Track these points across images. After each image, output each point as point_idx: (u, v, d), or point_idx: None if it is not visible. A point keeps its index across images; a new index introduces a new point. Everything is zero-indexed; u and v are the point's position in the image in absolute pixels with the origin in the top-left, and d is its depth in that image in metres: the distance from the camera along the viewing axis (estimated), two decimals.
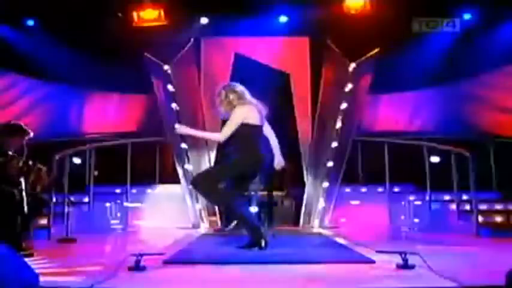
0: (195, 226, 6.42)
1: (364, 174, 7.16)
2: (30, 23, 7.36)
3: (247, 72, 7.29)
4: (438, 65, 7.36)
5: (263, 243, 3.70)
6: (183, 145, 6.68)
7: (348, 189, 6.95)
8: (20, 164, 3.87)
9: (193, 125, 6.98)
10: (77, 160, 6.50)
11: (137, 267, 2.78)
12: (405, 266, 2.79)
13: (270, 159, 4.14)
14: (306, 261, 3.17)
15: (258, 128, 3.94)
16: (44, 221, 5.19)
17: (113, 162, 6.91)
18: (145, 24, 7.33)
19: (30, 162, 4.01)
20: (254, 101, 3.98)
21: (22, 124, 4.00)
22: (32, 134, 3.98)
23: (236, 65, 7.54)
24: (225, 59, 7.61)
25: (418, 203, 6.48)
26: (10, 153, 3.86)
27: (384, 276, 2.64)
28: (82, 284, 2.39)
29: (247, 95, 3.99)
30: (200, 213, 6.50)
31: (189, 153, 6.69)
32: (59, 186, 5.45)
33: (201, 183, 3.96)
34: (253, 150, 3.87)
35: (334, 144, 6.57)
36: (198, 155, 6.94)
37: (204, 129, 7.24)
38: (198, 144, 6.99)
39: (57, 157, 5.50)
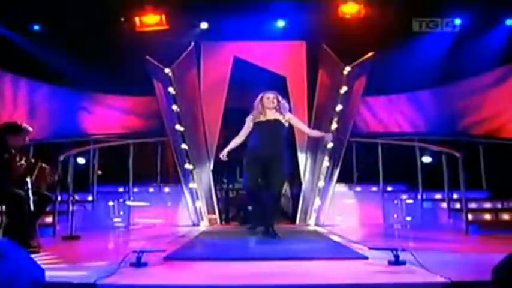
0: (195, 224, 6.53)
1: (358, 173, 7.24)
2: (37, 27, 7.54)
3: (245, 75, 7.50)
4: (431, 67, 7.47)
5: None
6: (184, 145, 6.78)
7: (343, 189, 7.06)
8: (23, 162, 4.01)
9: (194, 125, 7.20)
10: (81, 160, 6.64)
11: (139, 263, 2.83)
12: (397, 262, 2.86)
13: None
14: (302, 258, 3.26)
15: None
16: (49, 219, 5.33)
17: (116, 162, 7.02)
18: (148, 29, 7.50)
19: (33, 161, 4.17)
20: None
21: (21, 122, 4.09)
22: (31, 129, 4.08)
23: (235, 68, 7.70)
24: (224, 62, 7.77)
25: (410, 201, 6.61)
26: (13, 151, 3.95)
27: (376, 272, 2.70)
28: (85, 279, 2.43)
29: None
30: (200, 212, 6.61)
31: (189, 154, 6.77)
32: (64, 186, 5.54)
33: None
34: None
35: (330, 145, 6.65)
36: (198, 155, 7.07)
37: (204, 129, 7.44)
38: (198, 144, 7.15)
39: (61, 157, 5.66)
